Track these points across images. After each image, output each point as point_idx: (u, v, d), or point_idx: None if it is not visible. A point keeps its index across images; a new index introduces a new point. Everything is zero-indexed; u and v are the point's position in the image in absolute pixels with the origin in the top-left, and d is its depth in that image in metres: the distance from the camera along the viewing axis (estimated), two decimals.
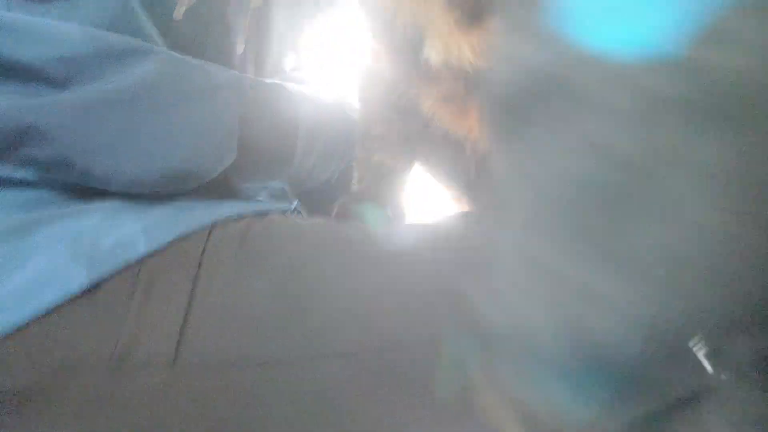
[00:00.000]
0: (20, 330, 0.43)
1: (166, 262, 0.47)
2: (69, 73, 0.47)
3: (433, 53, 0.51)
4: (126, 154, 0.48)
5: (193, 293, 0.45)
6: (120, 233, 0.47)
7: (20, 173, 0.48)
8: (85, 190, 0.49)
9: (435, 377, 0.45)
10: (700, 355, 0.48)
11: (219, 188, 0.55)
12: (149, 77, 0.49)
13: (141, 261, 0.46)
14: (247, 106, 0.56)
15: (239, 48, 0.64)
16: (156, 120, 0.49)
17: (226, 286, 0.46)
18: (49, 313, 0.43)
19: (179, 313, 0.45)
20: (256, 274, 0.47)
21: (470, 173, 0.59)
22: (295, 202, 0.59)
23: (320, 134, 0.66)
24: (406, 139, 0.63)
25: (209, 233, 0.49)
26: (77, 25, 0.49)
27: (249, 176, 0.58)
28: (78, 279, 0.44)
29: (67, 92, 0.47)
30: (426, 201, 0.72)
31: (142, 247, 0.46)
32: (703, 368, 0.48)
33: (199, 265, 0.47)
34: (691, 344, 0.48)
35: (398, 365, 0.45)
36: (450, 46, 0.51)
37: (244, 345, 0.45)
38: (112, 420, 0.43)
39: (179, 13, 0.55)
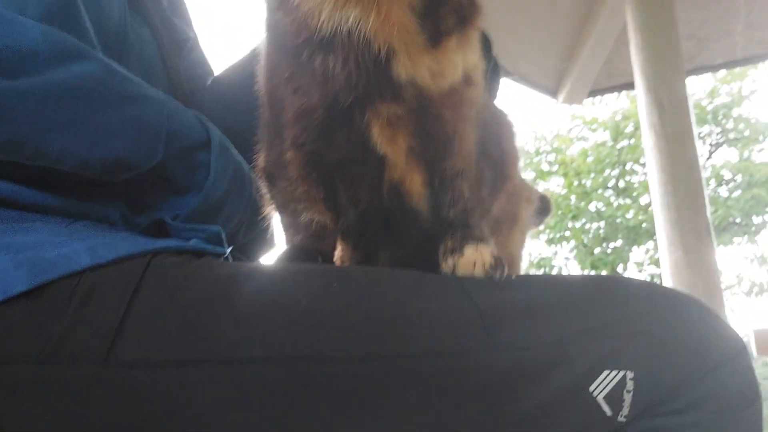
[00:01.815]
0: None
1: (108, 275, 0.49)
2: (24, 66, 0.53)
3: (403, 71, 0.57)
4: (74, 139, 0.54)
5: (132, 301, 0.47)
6: (64, 249, 0.49)
7: None
8: (33, 207, 0.53)
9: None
10: (600, 398, 0.52)
11: (156, 229, 0.61)
12: (90, 76, 0.56)
13: (83, 272, 0.48)
14: (173, 121, 0.63)
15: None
16: (97, 113, 0.56)
17: (165, 295, 0.49)
18: None
19: (116, 315, 0.46)
20: (194, 286, 0.50)
21: (383, 197, 0.65)
22: (230, 249, 0.63)
23: (230, 159, 0.72)
24: (329, 183, 0.66)
25: (150, 258, 0.52)
26: (35, 22, 0.55)
27: (174, 184, 0.64)
28: (18, 283, 0.46)
29: (20, 81, 0.52)
30: None
31: (85, 261, 0.49)
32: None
33: (140, 279, 0.49)
34: (591, 387, 0.51)
35: (314, 376, 0.47)
36: (417, 65, 0.57)
37: (177, 346, 0.46)
38: (42, 411, 0.43)
39: None
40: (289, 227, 0.70)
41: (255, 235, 0.79)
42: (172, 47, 0.81)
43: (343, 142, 0.61)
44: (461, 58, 0.60)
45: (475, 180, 0.66)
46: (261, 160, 0.73)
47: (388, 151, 0.61)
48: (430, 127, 0.62)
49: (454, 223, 0.64)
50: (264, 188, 0.74)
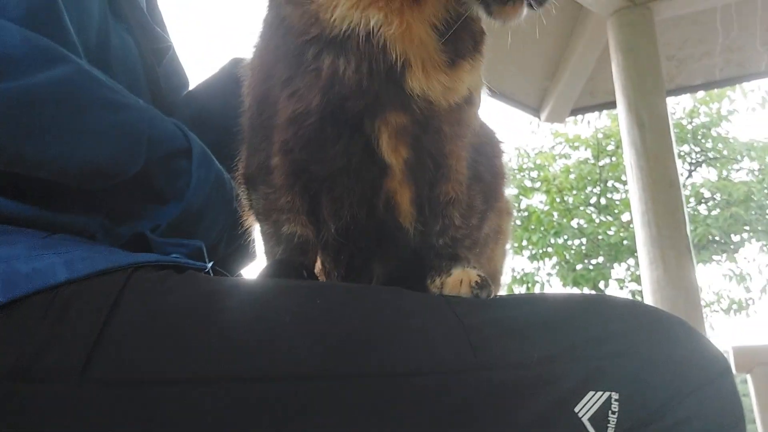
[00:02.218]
0: None
1: (85, 290, 0.47)
2: (3, 70, 0.51)
3: (416, 84, 0.59)
4: (52, 145, 0.53)
5: (110, 316, 0.46)
6: (40, 263, 0.48)
7: None
8: (8, 218, 0.52)
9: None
10: (585, 419, 0.51)
11: (137, 243, 0.59)
12: (69, 81, 0.55)
13: (59, 286, 0.47)
14: (154, 129, 0.63)
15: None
16: (76, 119, 0.55)
17: (145, 311, 0.48)
18: None
19: (93, 331, 0.45)
20: (174, 302, 0.49)
21: (377, 208, 0.65)
22: (210, 263, 0.62)
23: (212, 167, 0.72)
24: (314, 193, 0.66)
25: (131, 273, 0.51)
26: (16, 26, 0.54)
27: (158, 187, 0.63)
28: None
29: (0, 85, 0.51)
30: None
31: (61, 275, 0.47)
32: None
33: (119, 294, 0.48)
34: (577, 408, 0.51)
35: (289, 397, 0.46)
36: (431, 81, 0.59)
37: (156, 364, 0.45)
38: (15, 430, 0.42)
39: None
40: (270, 237, 0.68)
41: (236, 247, 0.78)
42: (152, 55, 0.81)
43: (339, 149, 0.60)
44: (469, 79, 0.63)
45: (467, 207, 0.68)
46: (242, 165, 0.72)
47: (392, 160, 0.62)
48: (429, 141, 0.63)
49: (442, 253, 0.66)
50: (243, 194, 0.73)
